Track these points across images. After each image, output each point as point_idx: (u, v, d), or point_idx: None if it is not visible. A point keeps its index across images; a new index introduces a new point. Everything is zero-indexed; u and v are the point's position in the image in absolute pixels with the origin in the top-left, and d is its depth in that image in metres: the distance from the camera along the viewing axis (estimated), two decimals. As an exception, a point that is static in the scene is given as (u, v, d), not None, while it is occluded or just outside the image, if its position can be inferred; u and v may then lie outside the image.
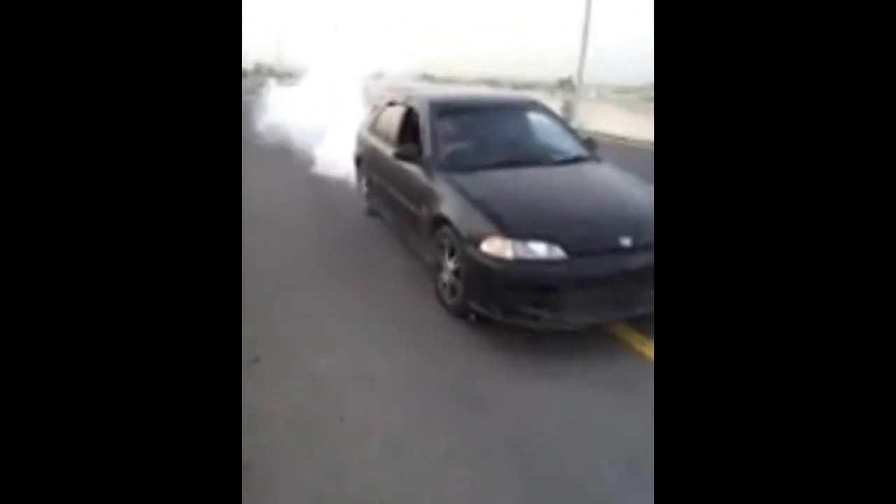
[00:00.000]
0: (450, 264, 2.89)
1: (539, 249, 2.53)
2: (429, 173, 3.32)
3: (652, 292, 2.52)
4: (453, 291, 2.87)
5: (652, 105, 1.13)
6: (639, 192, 3.07)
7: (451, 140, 3.59)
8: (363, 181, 4.75)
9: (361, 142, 4.85)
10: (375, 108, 4.93)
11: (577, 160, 3.64)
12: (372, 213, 4.61)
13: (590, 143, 3.94)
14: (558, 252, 2.52)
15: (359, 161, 4.90)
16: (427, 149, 3.46)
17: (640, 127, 10.24)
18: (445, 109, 3.78)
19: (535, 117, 4.10)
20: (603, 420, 2.11)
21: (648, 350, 2.59)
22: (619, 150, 8.42)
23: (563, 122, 4.28)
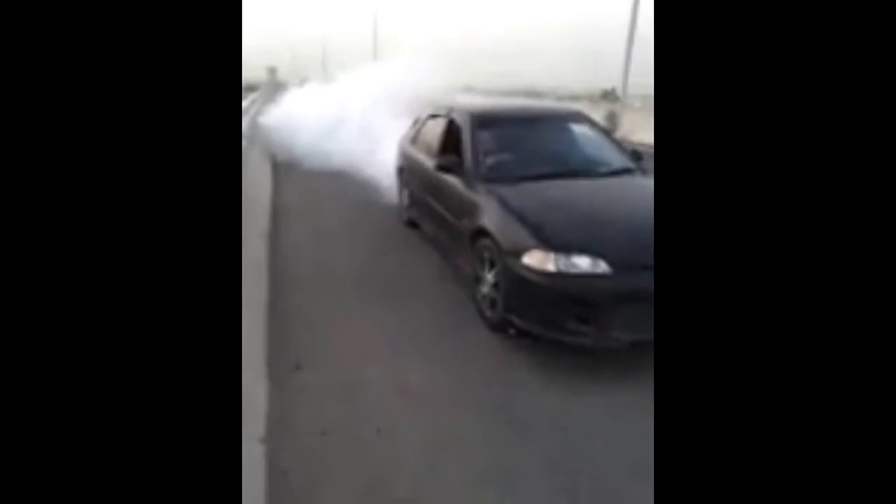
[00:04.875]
0: (489, 277, 2.86)
1: (582, 263, 2.46)
2: (470, 185, 3.31)
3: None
4: (493, 304, 2.83)
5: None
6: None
7: (493, 151, 3.57)
8: (404, 193, 4.79)
9: (403, 153, 4.91)
10: (417, 120, 4.98)
11: (622, 172, 3.55)
12: (411, 223, 4.64)
13: (636, 154, 3.84)
14: (603, 266, 2.45)
15: (400, 172, 4.96)
16: (468, 160, 3.45)
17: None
18: (486, 121, 3.77)
19: (578, 128, 4.03)
20: (643, 441, 2.02)
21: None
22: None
23: (608, 133, 4.19)
